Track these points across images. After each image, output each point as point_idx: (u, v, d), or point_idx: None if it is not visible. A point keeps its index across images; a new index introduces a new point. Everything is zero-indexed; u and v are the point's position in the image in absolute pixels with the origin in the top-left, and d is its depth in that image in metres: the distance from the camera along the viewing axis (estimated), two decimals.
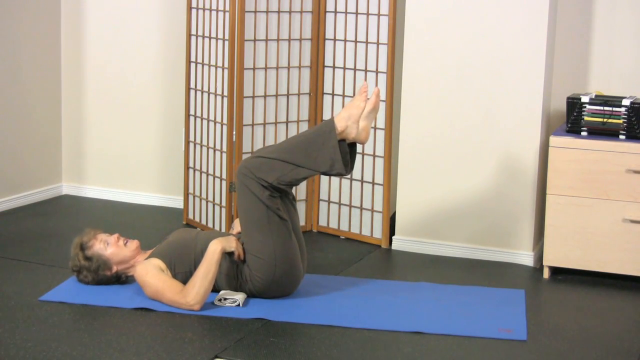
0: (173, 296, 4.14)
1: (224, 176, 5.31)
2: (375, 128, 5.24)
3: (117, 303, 4.19)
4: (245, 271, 4.25)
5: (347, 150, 4.23)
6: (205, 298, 4.14)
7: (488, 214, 5.03)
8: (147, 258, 4.33)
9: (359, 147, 5.31)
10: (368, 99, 4.27)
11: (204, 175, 5.52)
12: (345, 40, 5.34)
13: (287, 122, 5.41)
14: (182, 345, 3.78)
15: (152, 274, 4.21)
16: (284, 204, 4.26)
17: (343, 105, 5.35)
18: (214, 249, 4.17)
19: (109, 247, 4.37)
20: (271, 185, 4.18)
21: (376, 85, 5.22)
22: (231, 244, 4.21)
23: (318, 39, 5.40)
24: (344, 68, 5.36)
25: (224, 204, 5.32)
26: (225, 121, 5.27)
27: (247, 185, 4.20)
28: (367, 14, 5.23)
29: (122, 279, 4.42)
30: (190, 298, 4.11)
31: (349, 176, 5.36)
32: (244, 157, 5.21)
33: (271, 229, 4.20)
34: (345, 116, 4.23)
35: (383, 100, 5.19)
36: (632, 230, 4.64)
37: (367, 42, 5.25)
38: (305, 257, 4.40)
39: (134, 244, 4.42)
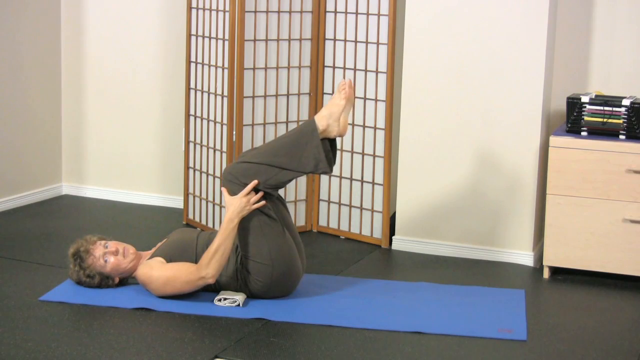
0: (187, 276, 4.14)
1: None
2: (375, 128, 5.24)
3: (117, 303, 4.19)
4: (245, 275, 4.24)
5: (330, 149, 4.24)
6: (219, 270, 4.14)
7: (488, 214, 5.03)
8: (147, 259, 4.32)
9: (357, 147, 5.33)
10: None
11: (204, 175, 5.52)
12: (345, 40, 5.34)
13: (287, 122, 5.40)
14: (182, 345, 3.78)
15: (157, 267, 4.20)
16: (272, 203, 4.24)
17: None
18: (229, 219, 4.15)
19: (107, 264, 4.30)
20: (257, 190, 4.18)
21: (376, 85, 5.22)
22: (243, 208, 4.16)
23: (318, 39, 5.40)
24: (344, 68, 5.35)
25: (223, 204, 5.32)
26: (225, 121, 5.27)
27: (233, 192, 4.19)
28: (367, 14, 5.23)
29: (125, 282, 4.40)
30: (205, 272, 4.11)
31: (348, 176, 5.36)
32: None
33: (263, 232, 4.19)
34: (326, 115, 4.22)
35: (383, 101, 5.20)
36: (632, 230, 4.64)
37: (367, 42, 5.25)
38: (304, 255, 4.38)
39: (129, 250, 4.35)
